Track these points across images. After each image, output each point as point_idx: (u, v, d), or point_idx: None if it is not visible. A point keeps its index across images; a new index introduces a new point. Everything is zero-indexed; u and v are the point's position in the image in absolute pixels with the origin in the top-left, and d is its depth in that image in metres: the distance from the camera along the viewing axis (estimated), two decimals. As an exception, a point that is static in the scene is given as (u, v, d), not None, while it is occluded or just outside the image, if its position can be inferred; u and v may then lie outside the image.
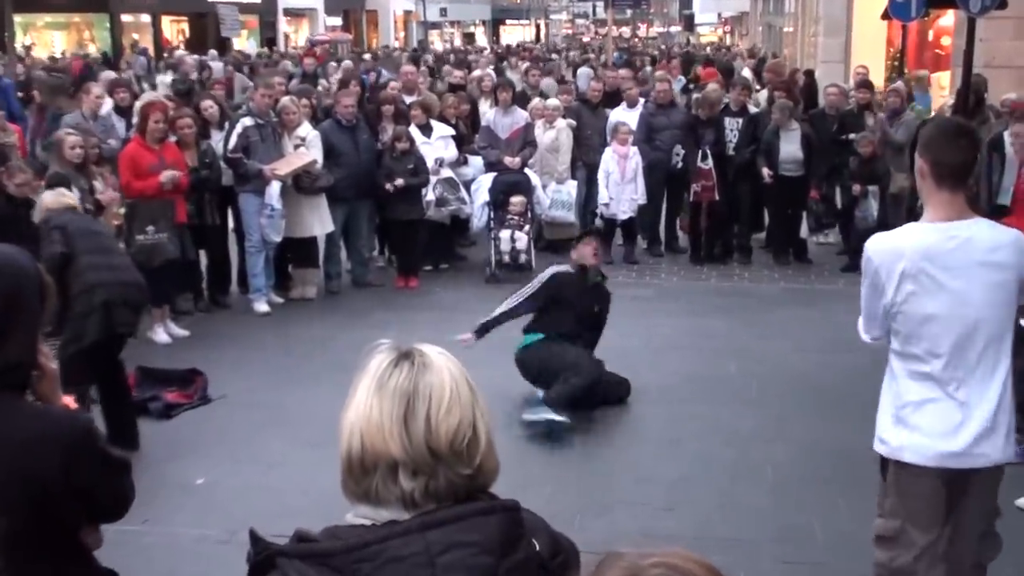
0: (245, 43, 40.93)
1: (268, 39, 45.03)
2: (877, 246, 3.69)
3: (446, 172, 11.77)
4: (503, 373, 7.56)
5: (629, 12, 50.97)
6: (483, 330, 7.55)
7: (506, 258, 11.56)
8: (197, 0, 39.13)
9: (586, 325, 7.81)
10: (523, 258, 11.55)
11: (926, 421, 3.69)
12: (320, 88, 15.60)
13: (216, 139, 10.37)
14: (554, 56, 32.57)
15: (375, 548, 1.61)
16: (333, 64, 21.21)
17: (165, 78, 18.43)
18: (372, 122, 11.71)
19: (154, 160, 9.31)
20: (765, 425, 7.33)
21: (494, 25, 75.43)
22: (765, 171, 11.92)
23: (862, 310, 3.84)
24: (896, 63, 19.04)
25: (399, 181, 11.00)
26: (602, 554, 1.28)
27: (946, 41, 19.65)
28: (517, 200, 11.71)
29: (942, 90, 17.66)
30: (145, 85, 20.11)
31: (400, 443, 1.63)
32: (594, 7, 61.93)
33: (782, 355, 8.94)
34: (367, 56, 28.12)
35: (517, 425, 7.14)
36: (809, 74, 19.59)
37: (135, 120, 10.15)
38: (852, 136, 12.05)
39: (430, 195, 11.56)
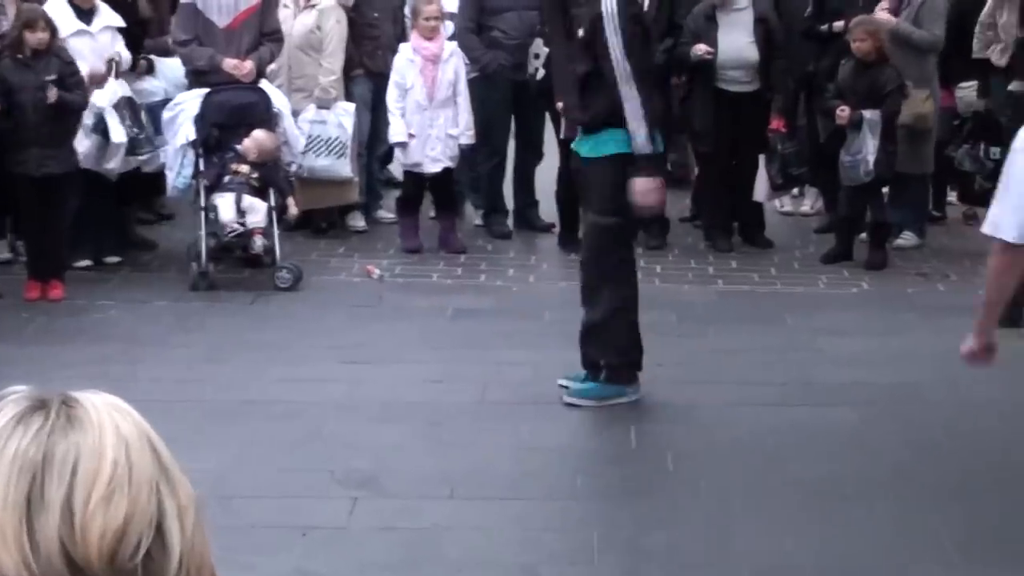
0: None
1: None
2: None
3: (121, 88, 11.71)
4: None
5: None
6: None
7: (227, 243, 11.66)
8: None
9: None
10: (258, 243, 11.61)
11: None
12: None
13: None
14: None
15: None
16: None
17: None
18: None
19: None
20: (696, 541, 7.36)
21: None
22: (698, 48, 12.23)
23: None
24: None
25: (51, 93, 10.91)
26: None
27: None
28: (250, 139, 11.61)
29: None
30: None
31: (19, 550, 1.58)
32: None
33: (718, 412, 9.11)
34: None
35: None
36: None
37: None
38: (838, 25, 12.31)
39: (85, 139, 11.50)
